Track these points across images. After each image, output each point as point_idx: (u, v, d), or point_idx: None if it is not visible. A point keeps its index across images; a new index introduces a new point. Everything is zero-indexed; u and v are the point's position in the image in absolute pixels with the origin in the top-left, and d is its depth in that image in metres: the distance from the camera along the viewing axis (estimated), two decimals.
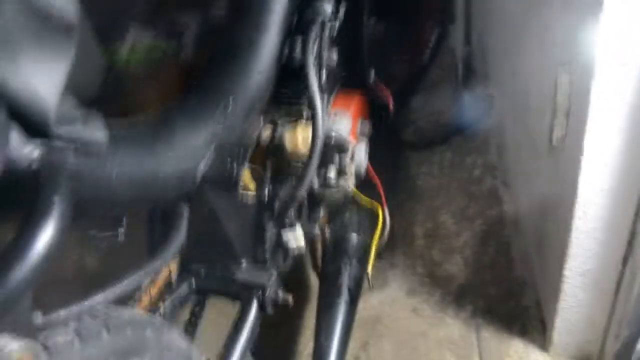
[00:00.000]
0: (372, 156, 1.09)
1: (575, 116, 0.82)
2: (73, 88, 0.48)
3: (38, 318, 0.46)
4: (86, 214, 0.53)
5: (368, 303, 1.26)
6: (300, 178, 0.82)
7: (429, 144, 1.64)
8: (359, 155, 0.98)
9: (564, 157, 0.88)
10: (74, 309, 0.50)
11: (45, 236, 0.38)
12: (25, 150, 0.41)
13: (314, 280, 1.28)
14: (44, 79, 0.39)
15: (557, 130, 0.87)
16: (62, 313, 0.49)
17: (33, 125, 0.41)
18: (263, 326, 0.85)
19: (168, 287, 0.79)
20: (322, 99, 0.83)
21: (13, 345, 0.36)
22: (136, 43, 2.31)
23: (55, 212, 0.39)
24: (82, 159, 0.48)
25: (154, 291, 0.75)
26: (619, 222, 0.85)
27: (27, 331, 0.40)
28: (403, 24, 1.81)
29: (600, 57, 0.71)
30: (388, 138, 1.64)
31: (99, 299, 0.53)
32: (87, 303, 0.51)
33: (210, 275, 0.82)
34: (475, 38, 1.69)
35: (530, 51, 1.07)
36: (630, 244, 0.87)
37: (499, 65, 1.46)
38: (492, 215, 1.40)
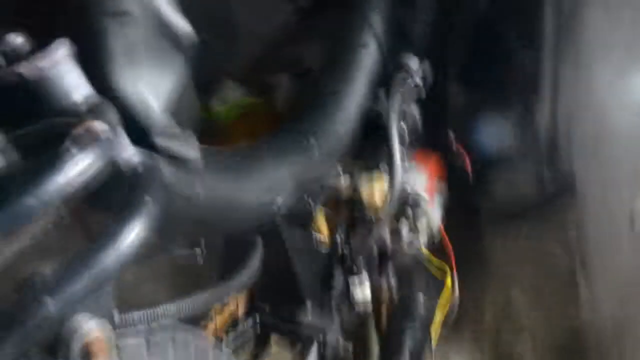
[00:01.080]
0: (446, 222, 1.08)
1: None
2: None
3: (115, 315, 0.49)
4: (171, 226, 0.56)
5: None
6: (373, 228, 0.83)
7: (507, 216, 1.60)
8: (433, 214, 0.97)
9: None
10: (146, 314, 0.52)
11: (134, 231, 0.41)
12: (127, 154, 0.45)
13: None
14: (154, 91, 0.44)
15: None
16: (136, 316, 0.51)
17: (137, 132, 0.45)
18: None
19: (233, 320, 0.81)
20: (401, 152, 0.85)
21: (91, 324, 0.38)
22: (229, 99, 2.46)
23: (146, 212, 0.42)
24: (175, 173, 0.51)
25: (220, 321, 0.77)
26: None
27: (107, 321, 0.43)
28: (491, 95, 1.83)
29: None
30: (465, 206, 1.63)
31: (169, 309, 0.55)
32: (159, 311, 0.54)
33: (275, 313, 0.83)
34: (563, 115, 1.67)
35: (613, 125, 1.05)
36: None
37: (582, 140, 1.43)
38: (567, 296, 1.33)
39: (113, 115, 0.42)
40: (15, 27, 0.40)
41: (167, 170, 0.50)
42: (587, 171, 1.40)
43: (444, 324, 1.14)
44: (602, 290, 1.22)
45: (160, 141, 0.48)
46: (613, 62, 1.07)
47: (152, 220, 0.42)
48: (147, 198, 0.43)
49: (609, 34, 1.14)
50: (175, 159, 0.51)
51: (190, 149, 0.53)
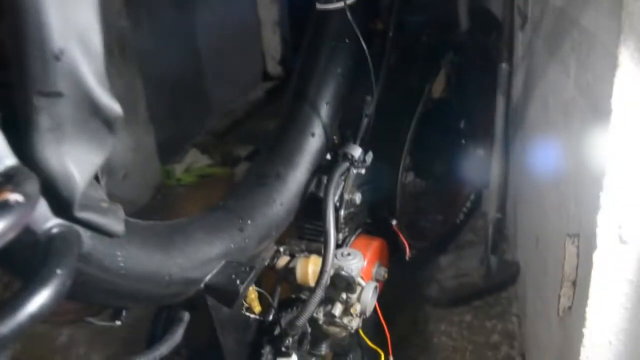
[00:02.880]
0: (392, 306, 1.10)
1: (580, 288, 0.83)
2: (124, 193, 0.55)
3: None
4: (86, 296, 0.57)
5: None
6: (302, 309, 0.85)
7: (450, 303, 1.63)
8: (366, 297, 0.99)
9: (570, 329, 0.87)
10: None
11: (37, 301, 0.42)
12: (46, 225, 0.47)
13: None
14: (78, 165, 0.46)
15: (564, 301, 0.87)
16: None
17: (60, 204, 0.47)
18: None
19: None
20: (335, 236, 0.88)
21: None
22: (192, 166, 2.50)
23: (53, 283, 0.43)
24: (95, 245, 0.53)
25: None
26: None
27: None
28: (441, 185, 1.90)
29: (603, 232, 0.74)
30: (411, 292, 1.65)
31: None
32: None
33: None
34: (509, 206, 1.75)
35: (548, 221, 1.11)
36: None
37: (526, 233, 1.48)
38: None
39: (33, 186, 0.44)
40: None
41: (87, 242, 0.52)
42: (527, 261, 1.45)
43: None
44: None
45: (81, 214, 0.49)
46: (548, 159, 1.14)
47: (58, 291, 0.43)
48: (58, 269, 0.44)
49: (545, 132, 1.22)
50: (97, 231, 0.53)
51: (114, 222, 0.54)
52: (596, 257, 0.75)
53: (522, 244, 1.56)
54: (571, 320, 0.87)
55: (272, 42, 3.70)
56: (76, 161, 0.47)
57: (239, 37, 3.34)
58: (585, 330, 0.79)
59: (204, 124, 2.86)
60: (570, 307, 0.87)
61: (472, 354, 1.44)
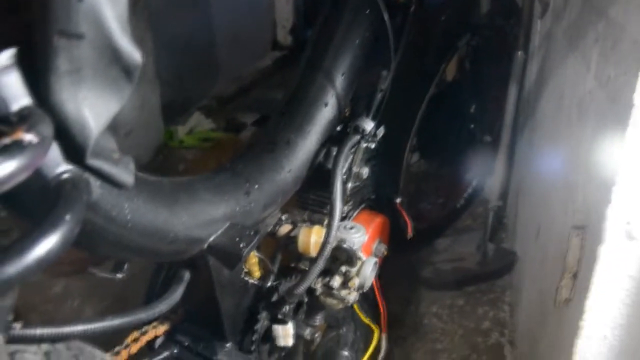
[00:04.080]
0: (386, 284, 1.10)
1: (581, 281, 0.83)
2: (126, 150, 0.54)
3: (15, 328, 0.49)
4: (91, 245, 0.56)
5: None
6: (302, 278, 0.85)
7: (444, 286, 1.63)
8: (365, 272, 0.99)
9: (566, 321, 0.88)
10: (52, 331, 0.52)
11: (44, 246, 0.41)
12: (57, 169, 0.46)
13: None
14: (94, 112, 0.45)
15: (563, 292, 0.87)
16: (39, 331, 0.51)
17: (73, 150, 0.46)
18: None
19: (150, 349, 0.80)
20: (340, 208, 0.87)
21: None
22: (196, 129, 2.48)
23: (62, 229, 0.43)
24: (104, 195, 0.52)
25: (134, 349, 0.76)
26: None
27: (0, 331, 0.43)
28: (444, 168, 1.90)
29: (611, 227, 0.74)
30: (405, 272, 1.66)
31: (78, 329, 0.55)
32: (66, 329, 0.53)
33: (193, 349, 0.82)
34: (511, 195, 1.74)
35: (552, 212, 1.10)
36: None
37: (527, 223, 1.48)
38: None
39: (47, 128, 0.43)
40: None
41: (96, 190, 0.51)
42: (525, 251, 1.46)
43: None
44: None
45: (93, 161, 0.49)
46: (559, 151, 1.13)
47: (66, 237, 0.43)
48: (66, 215, 0.43)
49: (557, 124, 1.21)
50: (107, 181, 0.52)
51: (125, 173, 0.54)
52: (602, 251, 0.75)
53: (521, 234, 1.56)
54: (568, 312, 0.87)
55: (284, 11, 3.65)
56: (92, 107, 0.46)
57: (252, 3, 3.30)
58: (582, 323, 0.80)
59: (211, 88, 2.84)
60: (568, 299, 0.87)
61: (461, 338, 1.45)
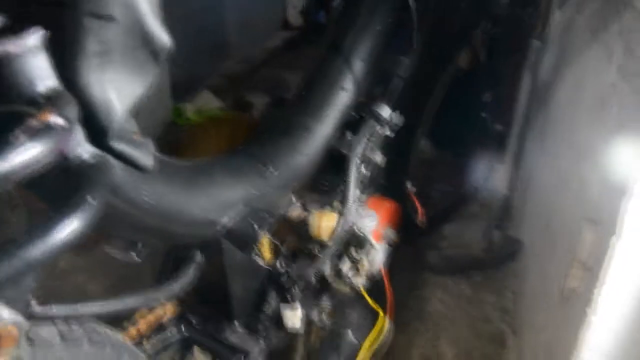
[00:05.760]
0: (392, 269, 1.10)
1: (591, 272, 0.83)
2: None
3: (34, 305, 0.49)
4: (110, 228, 0.57)
5: None
6: (313, 261, 0.85)
7: (450, 272, 1.64)
8: (375, 257, 1.00)
9: (573, 311, 0.88)
10: (66, 309, 0.52)
11: (68, 228, 0.41)
12: (80, 151, 0.46)
13: None
14: (119, 94, 0.45)
15: (571, 281, 0.87)
16: (55, 309, 0.51)
17: (97, 132, 0.46)
18: None
19: (158, 327, 0.81)
20: (354, 193, 0.87)
21: (3, 313, 0.39)
22: (204, 107, 2.47)
23: (84, 211, 0.43)
24: (125, 177, 0.52)
25: (143, 326, 0.76)
26: None
27: (20, 311, 0.43)
28: (454, 155, 1.89)
29: (629, 221, 0.74)
30: (413, 258, 1.66)
31: (91, 308, 0.55)
32: (79, 308, 0.54)
33: (201, 327, 0.83)
34: (520, 184, 1.74)
35: (564, 203, 1.10)
36: None
37: (535, 213, 1.48)
38: (494, 358, 1.36)
39: (73, 110, 0.43)
40: None
41: (117, 173, 0.51)
42: (533, 240, 1.46)
43: None
44: (530, 358, 1.25)
45: (116, 144, 0.49)
46: (575, 143, 1.12)
47: (89, 220, 0.43)
48: (89, 198, 0.43)
49: (573, 116, 1.20)
50: (128, 164, 0.52)
51: (146, 156, 0.54)
52: (616, 244, 0.74)
53: (529, 223, 1.56)
54: (576, 302, 0.87)
55: None
56: (118, 90, 0.46)
57: None
58: (590, 314, 0.80)
59: (220, 67, 2.82)
60: (576, 290, 0.87)
61: (464, 324, 1.46)
